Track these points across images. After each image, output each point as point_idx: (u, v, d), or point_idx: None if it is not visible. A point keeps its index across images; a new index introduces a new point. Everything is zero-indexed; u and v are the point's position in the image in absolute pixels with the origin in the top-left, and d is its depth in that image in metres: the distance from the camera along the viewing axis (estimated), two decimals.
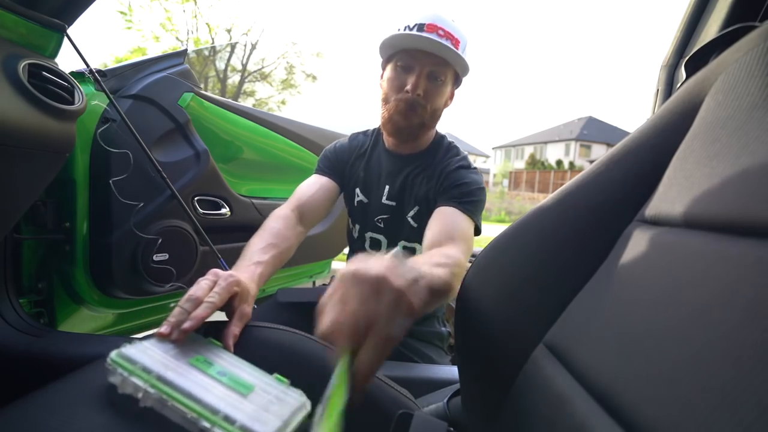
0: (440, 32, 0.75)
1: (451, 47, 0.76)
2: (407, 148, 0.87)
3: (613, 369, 0.27)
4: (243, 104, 1.36)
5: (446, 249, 0.63)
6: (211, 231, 1.11)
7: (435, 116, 0.83)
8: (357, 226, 0.93)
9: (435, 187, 0.83)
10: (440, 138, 0.90)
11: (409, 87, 0.77)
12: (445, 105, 0.85)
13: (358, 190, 0.91)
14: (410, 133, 0.83)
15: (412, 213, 0.86)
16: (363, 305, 0.33)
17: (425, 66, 0.77)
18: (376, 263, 0.35)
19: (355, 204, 0.92)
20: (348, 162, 0.92)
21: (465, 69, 0.83)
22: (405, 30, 0.77)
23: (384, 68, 0.85)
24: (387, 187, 0.87)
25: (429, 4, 0.81)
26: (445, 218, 0.74)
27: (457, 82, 0.85)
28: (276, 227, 0.72)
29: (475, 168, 0.85)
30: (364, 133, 0.97)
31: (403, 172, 0.87)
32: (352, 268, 0.35)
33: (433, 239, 0.69)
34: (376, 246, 0.91)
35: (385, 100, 0.83)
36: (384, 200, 0.88)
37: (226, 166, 1.25)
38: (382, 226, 0.89)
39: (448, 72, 0.80)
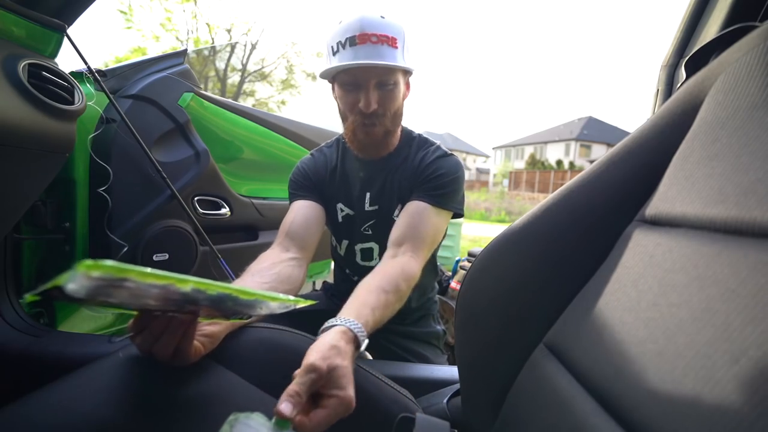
0: (373, 39, 0.71)
1: (388, 52, 0.72)
2: (378, 153, 0.84)
3: (613, 369, 0.27)
4: (243, 104, 1.36)
5: (402, 258, 0.69)
6: (211, 231, 1.11)
7: (397, 118, 0.80)
8: (344, 242, 0.90)
9: (414, 181, 0.81)
10: (408, 132, 0.88)
11: (362, 105, 0.74)
12: (404, 98, 0.81)
13: (340, 205, 0.88)
14: (377, 144, 0.81)
15: (396, 212, 0.84)
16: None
17: (370, 79, 0.73)
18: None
19: (340, 219, 0.88)
20: (324, 179, 0.88)
21: (411, 64, 0.78)
22: (337, 47, 0.73)
23: (332, 84, 0.80)
24: (368, 194, 0.85)
25: (373, 7, 0.74)
26: (412, 216, 0.75)
27: (408, 73, 0.80)
28: (253, 268, 0.67)
29: (452, 154, 0.83)
30: (327, 146, 0.93)
31: (381, 175, 0.85)
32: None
33: (397, 238, 0.73)
34: (367, 256, 0.88)
35: (344, 118, 0.80)
36: (367, 207, 0.85)
37: (226, 166, 1.25)
38: (370, 233, 0.87)
39: (396, 73, 0.75)
